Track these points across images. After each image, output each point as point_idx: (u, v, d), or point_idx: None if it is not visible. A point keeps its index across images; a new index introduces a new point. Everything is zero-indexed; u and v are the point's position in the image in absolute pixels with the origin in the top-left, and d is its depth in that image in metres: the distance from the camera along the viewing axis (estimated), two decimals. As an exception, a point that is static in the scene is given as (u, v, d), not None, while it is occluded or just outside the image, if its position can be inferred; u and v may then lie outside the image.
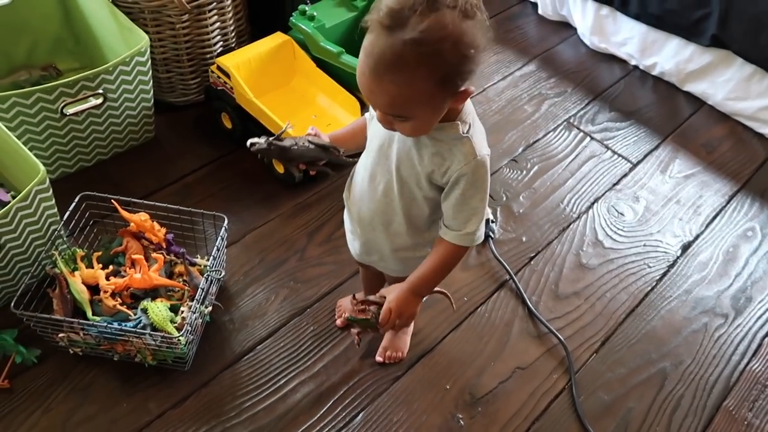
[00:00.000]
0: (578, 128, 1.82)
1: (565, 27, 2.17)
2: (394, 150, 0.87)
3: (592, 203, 1.62)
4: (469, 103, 0.85)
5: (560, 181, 1.67)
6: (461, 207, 0.86)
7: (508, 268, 1.44)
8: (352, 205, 0.99)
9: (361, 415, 1.19)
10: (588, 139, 1.79)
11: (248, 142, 0.91)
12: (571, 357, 1.30)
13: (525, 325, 1.36)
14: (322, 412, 1.18)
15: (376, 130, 0.89)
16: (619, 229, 1.57)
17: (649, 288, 1.45)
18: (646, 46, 1.94)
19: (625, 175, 1.70)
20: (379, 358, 1.25)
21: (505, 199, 1.61)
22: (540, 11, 2.20)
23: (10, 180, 1.36)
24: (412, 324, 1.28)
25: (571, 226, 1.57)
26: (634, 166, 1.73)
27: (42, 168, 1.13)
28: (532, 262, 1.48)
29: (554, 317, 1.37)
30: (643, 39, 1.93)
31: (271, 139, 0.90)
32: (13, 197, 1.30)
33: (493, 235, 1.51)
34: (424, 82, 0.72)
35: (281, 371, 1.23)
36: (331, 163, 0.95)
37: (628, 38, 1.97)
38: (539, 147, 1.76)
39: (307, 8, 1.61)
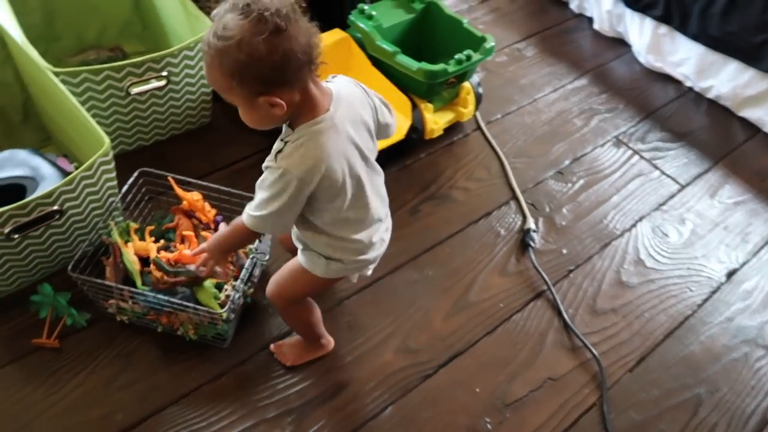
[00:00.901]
0: (627, 146, 1.81)
1: (621, 44, 2.15)
2: None
3: (637, 222, 1.61)
4: (320, 130, 0.88)
5: (605, 197, 1.66)
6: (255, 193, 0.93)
7: (546, 278, 1.44)
8: None
9: (389, 409, 1.20)
10: (637, 157, 1.78)
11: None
12: (604, 373, 1.29)
13: (559, 336, 1.36)
14: (351, 401, 1.20)
15: None
16: (662, 249, 1.55)
17: (690, 312, 1.43)
18: (703, 68, 1.92)
19: (672, 196, 1.68)
20: (272, 347, 1.25)
21: (548, 210, 1.61)
22: (596, 26, 2.19)
23: (75, 152, 1.43)
24: (324, 349, 1.25)
25: (613, 242, 1.55)
26: (683, 187, 1.71)
27: (107, 140, 1.18)
28: (571, 275, 1.47)
29: (590, 332, 1.37)
30: (701, 60, 1.91)
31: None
32: (76, 168, 1.36)
33: (533, 245, 1.51)
34: (218, 71, 0.83)
35: (315, 358, 1.25)
36: None
37: (684, 59, 1.95)
38: (586, 161, 1.75)
39: (366, 7, 1.64)
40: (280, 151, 0.89)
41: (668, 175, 1.73)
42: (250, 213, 0.94)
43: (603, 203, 1.64)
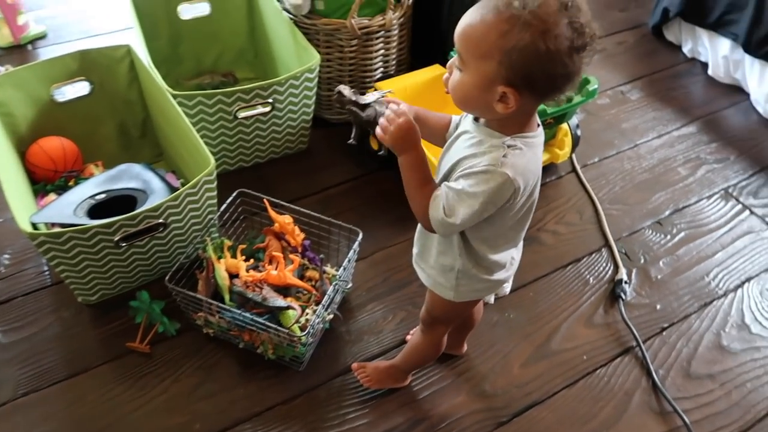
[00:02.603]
0: (737, 200, 1.69)
1: (737, 91, 2.03)
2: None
3: (743, 282, 1.49)
4: (536, 144, 0.84)
5: (708, 253, 1.55)
6: (449, 192, 0.83)
7: (636, 334, 1.36)
8: None
9: (458, 452, 1.18)
10: (747, 212, 1.65)
11: (337, 88, 0.93)
12: (696, 444, 1.20)
13: (647, 398, 1.27)
14: (421, 439, 1.19)
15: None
16: (771, 316, 1.43)
17: (800, 388, 1.30)
18: (831, 122, 1.77)
19: (786, 259, 1.55)
20: (354, 365, 1.25)
21: (643, 261, 1.52)
22: (710, 72, 2.08)
23: (182, 168, 1.53)
24: (405, 381, 1.25)
25: (714, 302, 1.45)
26: (799, 250, 1.57)
27: (213, 161, 1.25)
28: (664, 333, 1.38)
29: (682, 397, 1.27)
30: (829, 114, 1.76)
31: (354, 98, 0.89)
32: (182, 184, 1.45)
33: (624, 297, 1.43)
34: (495, 36, 0.75)
35: (388, 391, 1.24)
36: None
37: (810, 111, 1.81)
38: (689, 213, 1.65)
39: (468, 45, 1.65)
40: (505, 156, 0.80)
41: (783, 235, 1.60)
42: (442, 213, 0.83)
43: (705, 259, 1.54)
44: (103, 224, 1.17)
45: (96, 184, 1.40)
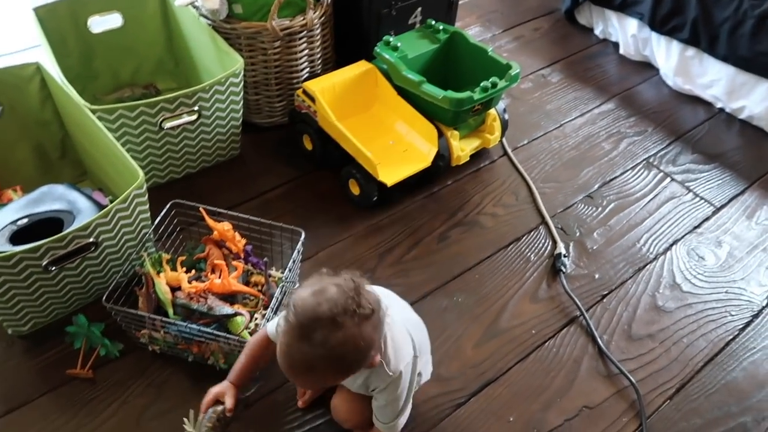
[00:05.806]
0: (658, 168, 1.78)
1: (647, 67, 2.14)
2: None
3: (671, 245, 1.57)
4: (389, 322, 0.95)
5: (637, 221, 1.63)
6: (385, 410, 1.02)
7: (579, 304, 1.41)
8: None
9: (421, 439, 1.18)
10: (668, 179, 1.75)
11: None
12: (643, 401, 1.25)
13: (594, 363, 1.32)
14: None
15: None
16: (699, 273, 1.51)
17: (731, 337, 1.38)
18: (733, 89, 1.89)
19: (707, 219, 1.64)
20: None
21: (578, 234, 1.59)
22: (621, 51, 2.18)
23: (110, 186, 1.47)
24: None
25: (647, 266, 1.52)
26: (718, 210, 1.67)
27: (141, 174, 1.21)
28: (604, 300, 1.44)
29: (626, 358, 1.33)
30: (731, 81, 1.88)
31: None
32: (111, 201, 1.40)
33: (564, 270, 1.48)
34: (332, 376, 0.93)
35: (345, 387, 1.24)
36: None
37: (714, 80, 1.93)
38: (616, 185, 1.73)
39: (391, 39, 1.67)
40: (388, 366, 0.98)
41: (702, 197, 1.70)
42: (392, 425, 1.04)
43: (635, 227, 1.61)
44: (28, 249, 1.11)
45: (16, 210, 1.32)
